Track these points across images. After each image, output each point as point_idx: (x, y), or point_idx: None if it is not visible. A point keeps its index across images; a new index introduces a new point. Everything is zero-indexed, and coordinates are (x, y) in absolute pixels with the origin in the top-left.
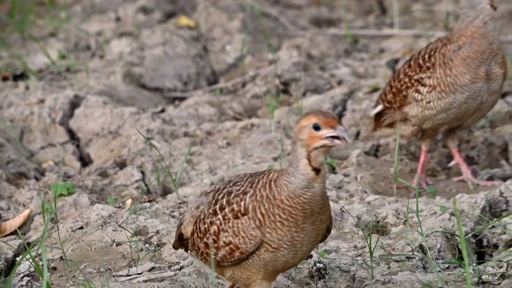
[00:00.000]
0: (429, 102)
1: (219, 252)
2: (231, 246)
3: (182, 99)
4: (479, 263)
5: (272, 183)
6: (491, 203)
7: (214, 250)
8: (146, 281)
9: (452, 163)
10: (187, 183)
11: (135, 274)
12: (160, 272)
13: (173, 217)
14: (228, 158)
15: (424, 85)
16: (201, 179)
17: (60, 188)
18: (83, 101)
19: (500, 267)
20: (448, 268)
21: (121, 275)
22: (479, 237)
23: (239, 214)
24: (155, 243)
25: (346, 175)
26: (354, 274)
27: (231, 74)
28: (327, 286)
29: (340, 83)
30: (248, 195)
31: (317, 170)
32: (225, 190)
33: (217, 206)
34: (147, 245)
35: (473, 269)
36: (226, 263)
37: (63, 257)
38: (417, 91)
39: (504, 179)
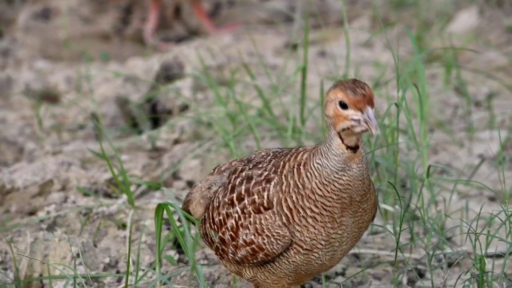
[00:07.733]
0: None
1: (239, 252)
2: (253, 246)
3: None
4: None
5: (301, 167)
6: (166, 67)
7: (232, 249)
8: None
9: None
10: None
11: None
12: None
13: None
14: None
15: None
16: None
17: None
18: None
19: (173, 132)
20: (122, 136)
21: None
22: (154, 102)
23: (261, 208)
24: None
25: (13, 40)
26: (23, 146)
27: None
28: None
29: None
30: (272, 183)
31: (354, 148)
32: (243, 174)
33: (234, 195)
34: None
35: (148, 135)
36: (248, 264)
37: None
38: None
39: (178, 40)
